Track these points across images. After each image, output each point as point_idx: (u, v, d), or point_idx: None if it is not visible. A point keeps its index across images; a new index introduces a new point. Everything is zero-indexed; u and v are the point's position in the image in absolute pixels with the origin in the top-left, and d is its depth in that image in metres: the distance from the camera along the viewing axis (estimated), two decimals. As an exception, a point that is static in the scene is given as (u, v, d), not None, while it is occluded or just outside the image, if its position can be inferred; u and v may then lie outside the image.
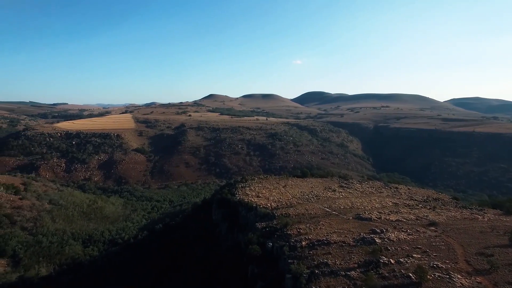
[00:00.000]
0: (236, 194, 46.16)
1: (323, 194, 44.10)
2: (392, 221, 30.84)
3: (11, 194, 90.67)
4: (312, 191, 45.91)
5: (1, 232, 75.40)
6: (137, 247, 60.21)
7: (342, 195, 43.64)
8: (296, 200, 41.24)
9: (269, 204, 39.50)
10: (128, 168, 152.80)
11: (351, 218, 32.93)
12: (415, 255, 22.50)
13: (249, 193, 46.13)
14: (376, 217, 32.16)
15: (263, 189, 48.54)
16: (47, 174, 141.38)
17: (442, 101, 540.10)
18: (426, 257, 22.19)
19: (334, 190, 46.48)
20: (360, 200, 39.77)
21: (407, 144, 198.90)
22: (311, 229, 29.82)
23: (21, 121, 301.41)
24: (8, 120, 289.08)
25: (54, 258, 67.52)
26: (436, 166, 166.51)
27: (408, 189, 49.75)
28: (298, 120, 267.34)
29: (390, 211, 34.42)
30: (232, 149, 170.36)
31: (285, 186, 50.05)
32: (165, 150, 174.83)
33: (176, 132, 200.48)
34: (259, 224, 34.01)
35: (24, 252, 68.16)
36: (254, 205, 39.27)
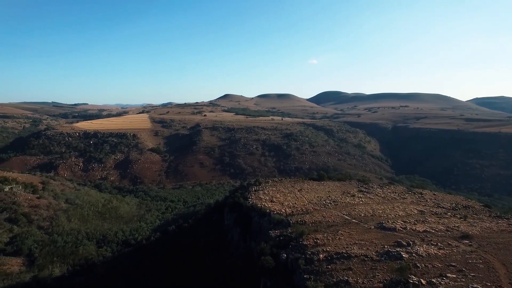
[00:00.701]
0: (249, 198, 44.01)
1: (341, 199, 41.36)
2: (419, 232, 28.01)
3: (29, 193, 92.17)
4: (329, 196, 43.22)
5: (19, 231, 76.51)
6: (149, 250, 59.24)
7: (362, 200, 40.77)
8: (312, 205, 38.75)
9: (283, 210, 37.21)
10: (143, 168, 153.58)
11: (373, 227, 30.25)
12: (449, 275, 19.78)
13: (263, 197, 43.89)
14: (400, 227, 29.37)
15: (277, 193, 46.17)
16: (65, 173, 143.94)
17: (464, 100, 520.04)
18: (462, 278, 19.46)
19: (353, 195, 43.61)
20: (382, 207, 36.87)
21: (428, 145, 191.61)
22: (329, 239, 27.42)
23: (43, 121, 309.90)
24: (31, 120, 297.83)
25: (68, 258, 67.54)
26: (459, 168, 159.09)
27: (434, 194, 46.25)
28: (314, 120, 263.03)
29: (416, 220, 31.48)
30: (247, 149, 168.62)
31: (301, 190, 47.48)
32: (180, 150, 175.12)
33: (191, 132, 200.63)
34: (272, 232, 31.84)
35: (39, 252, 68.57)
36: (267, 210, 37.06)
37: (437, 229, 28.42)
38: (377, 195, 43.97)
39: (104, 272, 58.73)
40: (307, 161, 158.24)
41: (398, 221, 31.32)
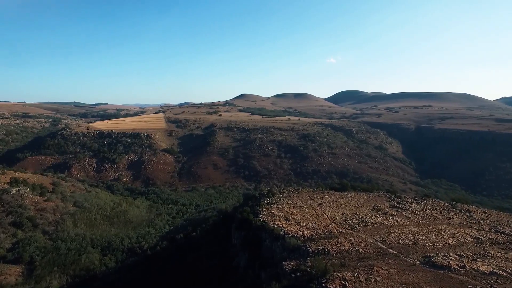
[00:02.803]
0: (260, 213, 37.40)
1: (371, 218, 34.16)
2: (484, 274, 20.82)
3: (36, 195, 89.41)
4: (356, 213, 36.10)
5: (23, 235, 73.38)
6: (153, 264, 54.11)
7: (397, 220, 33.44)
8: (336, 226, 31.87)
9: (300, 232, 30.50)
10: (156, 169, 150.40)
11: (418, 262, 23.24)
12: None
13: (276, 213, 37.21)
14: (456, 264, 22.23)
15: (293, 207, 39.37)
16: (79, 173, 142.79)
17: (492, 99, 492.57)
18: None
19: (385, 213, 36.30)
20: (425, 231, 29.59)
21: (455, 147, 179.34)
22: (361, 281, 20.73)
23: (63, 120, 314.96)
24: (51, 120, 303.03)
25: (68, 268, 63.32)
26: (491, 172, 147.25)
27: (484, 213, 38.09)
28: (332, 120, 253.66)
29: (475, 254, 24.19)
30: (262, 150, 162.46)
31: (321, 204, 40.46)
32: (194, 150, 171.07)
33: (205, 133, 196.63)
34: (287, 264, 25.38)
35: (41, 260, 64.75)
36: (281, 232, 30.51)
37: (509, 270, 21.14)
38: (414, 212, 36.44)
39: (104, 286, 54.12)
40: (325, 163, 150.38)
41: (451, 254, 24.09)
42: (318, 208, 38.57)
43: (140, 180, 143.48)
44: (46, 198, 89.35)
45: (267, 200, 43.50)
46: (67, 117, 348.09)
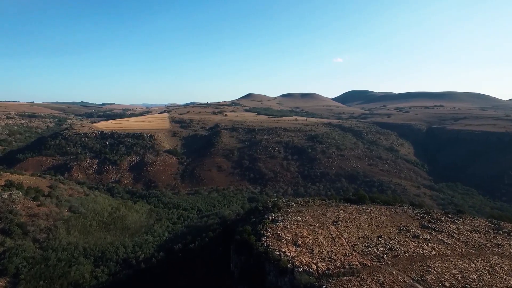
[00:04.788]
0: (263, 235, 30.94)
1: (400, 244, 27.57)
2: None
3: (29, 199, 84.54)
4: (380, 237, 29.50)
5: (11, 244, 68.44)
6: (144, 282, 48.59)
7: (434, 248, 26.77)
8: (358, 256, 25.50)
9: (314, 265, 24.22)
10: (158, 170, 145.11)
11: (477, 320, 16.96)
12: None
13: (283, 235, 30.73)
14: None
15: (303, 227, 32.83)
16: (79, 175, 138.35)
17: (505, 99, 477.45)
18: None
19: (417, 236, 29.65)
20: (473, 265, 23.12)
21: (470, 149, 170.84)
22: None
23: (68, 120, 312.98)
24: (56, 120, 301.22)
25: (56, 282, 57.98)
26: (511, 176, 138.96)
27: (537, 236, 31.33)
28: (340, 121, 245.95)
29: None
30: (268, 152, 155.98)
31: (336, 222, 33.87)
32: (198, 152, 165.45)
33: (209, 133, 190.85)
34: (298, 313, 19.35)
35: (27, 272, 59.56)
36: (289, 264, 24.31)
37: None
38: (452, 236, 29.72)
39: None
40: (334, 166, 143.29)
41: (520, 306, 17.77)
42: (333, 228, 32.07)
43: (142, 182, 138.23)
44: (39, 202, 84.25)
45: (272, 216, 36.91)
46: (73, 117, 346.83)
